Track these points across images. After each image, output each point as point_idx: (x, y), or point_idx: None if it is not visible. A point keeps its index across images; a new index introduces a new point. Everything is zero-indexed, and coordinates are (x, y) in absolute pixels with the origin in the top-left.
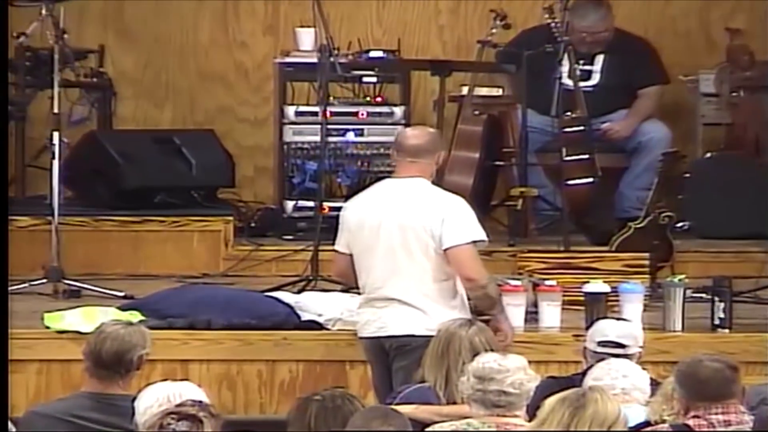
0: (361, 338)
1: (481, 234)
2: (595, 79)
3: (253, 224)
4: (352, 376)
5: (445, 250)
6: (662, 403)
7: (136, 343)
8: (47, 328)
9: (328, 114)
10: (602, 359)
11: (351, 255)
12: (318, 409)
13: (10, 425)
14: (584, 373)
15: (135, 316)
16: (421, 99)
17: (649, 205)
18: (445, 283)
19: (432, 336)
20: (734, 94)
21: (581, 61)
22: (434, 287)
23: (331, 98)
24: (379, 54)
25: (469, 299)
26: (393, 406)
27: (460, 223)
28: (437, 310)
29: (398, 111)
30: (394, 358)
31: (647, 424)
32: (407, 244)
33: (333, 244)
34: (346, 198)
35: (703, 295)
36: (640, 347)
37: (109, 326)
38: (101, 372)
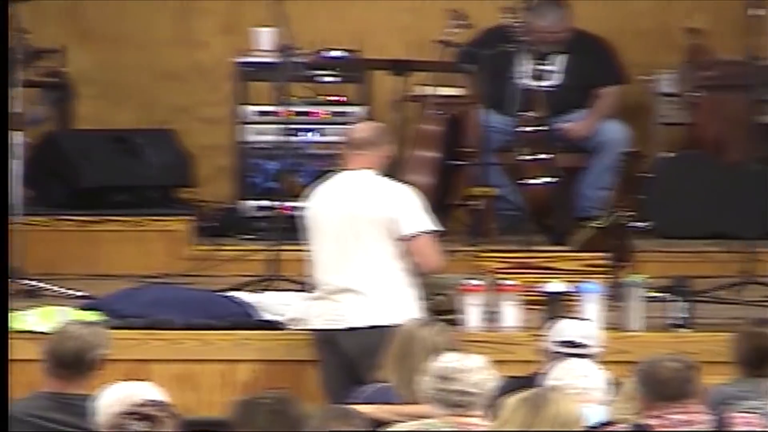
0: (311, 330)
1: (434, 223)
2: (555, 78)
3: (212, 224)
4: (312, 375)
5: (404, 239)
6: (624, 402)
7: (96, 342)
8: None
9: (287, 114)
10: (562, 359)
11: None
12: (266, 413)
13: None
14: (544, 373)
15: (94, 316)
16: (381, 99)
17: (609, 205)
18: (399, 273)
19: (388, 326)
20: (693, 93)
21: (540, 61)
22: (388, 277)
23: (291, 98)
24: (339, 53)
25: (428, 299)
26: (353, 406)
27: (416, 211)
28: (392, 300)
29: (358, 111)
30: (359, 358)
31: (609, 423)
32: (359, 234)
33: (294, 243)
34: (307, 198)
35: (663, 294)
36: (600, 347)
37: (70, 326)
38: (61, 371)
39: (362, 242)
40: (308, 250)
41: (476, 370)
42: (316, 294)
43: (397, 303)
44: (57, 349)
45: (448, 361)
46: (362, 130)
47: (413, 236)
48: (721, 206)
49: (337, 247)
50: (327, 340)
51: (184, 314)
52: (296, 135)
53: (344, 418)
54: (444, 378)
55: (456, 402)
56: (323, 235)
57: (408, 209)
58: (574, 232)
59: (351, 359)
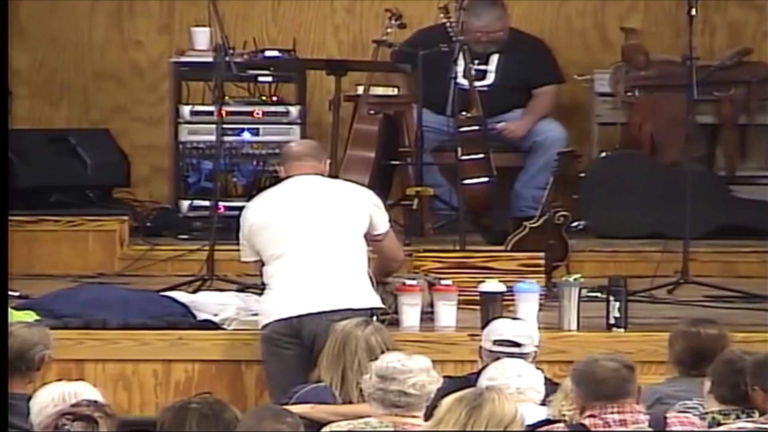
0: (272, 322)
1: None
2: (491, 78)
3: (148, 224)
4: (248, 375)
5: (377, 238)
6: (562, 400)
7: (37, 342)
8: None
9: (223, 113)
10: (498, 358)
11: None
12: (199, 418)
13: None
14: (479, 373)
15: (30, 316)
16: (316, 98)
17: (545, 205)
18: (366, 268)
19: (360, 309)
20: (629, 93)
21: (476, 61)
22: (361, 265)
23: (227, 98)
24: (275, 53)
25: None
26: (288, 406)
27: (383, 210)
28: (365, 287)
29: (294, 110)
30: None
31: (548, 422)
32: (332, 231)
33: (229, 243)
34: (243, 197)
35: (599, 294)
36: (536, 346)
37: (12, 325)
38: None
39: (337, 236)
40: (249, 253)
41: (417, 372)
42: (275, 288)
43: (369, 291)
44: None
45: (391, 360)
46: (299, 144)
47: (387, 231)
48: (657, 206)
49: (309, 244)
50: (289, 330)
51: (120, 314)
52: (232, 135)
53: (276, 416)
54: (384, 377)
55: (394, 402)
56: (289, 233)
57: (379, 208)
58: (510, 231)
59: (313, 349)
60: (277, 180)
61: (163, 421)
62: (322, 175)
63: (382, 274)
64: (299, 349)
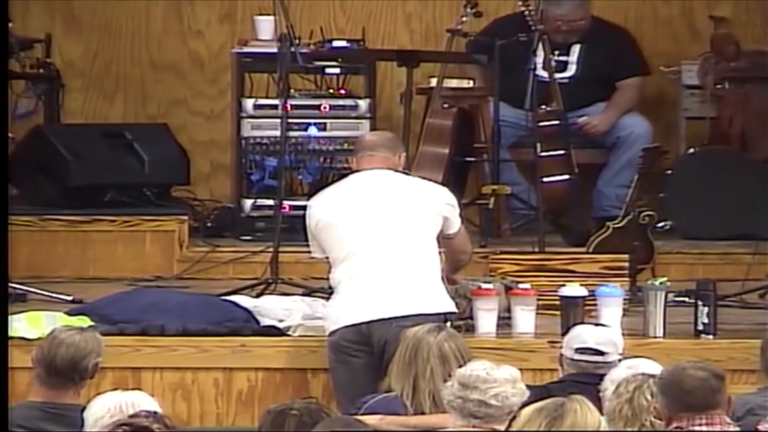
0: (340, 329)
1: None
2: (572, 70)
3: (209, 224)
4: (314, 384)
5: (450, 236)
6: None
7: (91, 349)
8: None
9: (288, 107)
10: (580, 367)
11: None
12: (297, 424)
13: None
14: (560, 381)
15: (84, 322)
16: (387, 91)
17: (629, 204)
18: (438, 267)
19: (434, 314)
20: (719, 86)
21: (557, 52)
22: (434, 267)
23: (292, 90)
24: (343, 44)
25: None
26: (358, 417)
27: (457, 208)
28: (437, 291)
29: (363, 104)
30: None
31: None
32: (404, 230)
33: (295, 244)
34: (308, 196)
35: (686, 299)
36: (620, 354)
37: (63, 332)
38: (54, 380)
39: (411, 234)
40: (318, 250)
41: (502, 382)
42: (342, 292)
43: (442, 295)
44: (51, 355)
45: (475, 368)
46: (374, 134)
47: (457, 232)
48: (747, 205)
49: (382, 241)
50: (358, 337)
51: (179, 319)
52: (297, 130)
53: (347, 428)
54: (465, 385)
55: (472, 412)
56: (357, 234)
57: (454, 207)
58: (592, 232)
59: (383, 357)
60: (345, 175)
61: (261, 425)
62: (395, 169)
63: (451, 270)
64: (368, 356)
